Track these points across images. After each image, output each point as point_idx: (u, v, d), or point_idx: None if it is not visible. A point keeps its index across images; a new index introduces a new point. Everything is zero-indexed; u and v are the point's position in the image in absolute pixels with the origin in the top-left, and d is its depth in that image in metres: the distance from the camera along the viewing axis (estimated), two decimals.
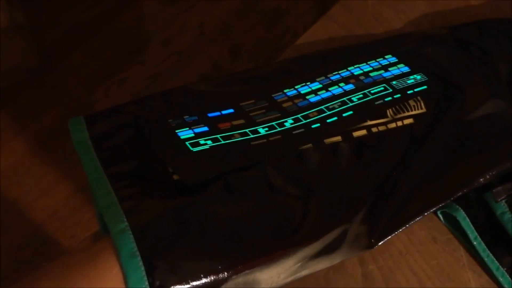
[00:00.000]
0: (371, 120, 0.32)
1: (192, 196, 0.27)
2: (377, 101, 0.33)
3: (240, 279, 0.26)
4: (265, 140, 0.30)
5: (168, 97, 0.33)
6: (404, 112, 0.33)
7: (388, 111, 0.33)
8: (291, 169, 0.30)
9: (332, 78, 0.35)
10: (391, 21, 0.41)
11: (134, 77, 0.99)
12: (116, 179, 0.27)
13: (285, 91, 0.34)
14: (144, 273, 0.24)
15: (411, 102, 0.34)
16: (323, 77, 0.35)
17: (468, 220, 0.33)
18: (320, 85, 0.34)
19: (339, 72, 0.35)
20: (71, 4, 1.03)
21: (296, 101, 0.33)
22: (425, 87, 0.34)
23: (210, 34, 1.03)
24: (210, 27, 1.03)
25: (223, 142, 0.29)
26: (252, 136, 0.30)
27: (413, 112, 0.33)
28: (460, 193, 0.32)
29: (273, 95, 0.33)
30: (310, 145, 0.30)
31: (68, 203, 0.86)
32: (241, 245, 0.26)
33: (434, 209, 0.31)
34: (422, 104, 0.34)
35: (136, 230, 0.25)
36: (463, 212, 0.33)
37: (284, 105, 0.32)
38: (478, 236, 0.33)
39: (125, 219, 0.25)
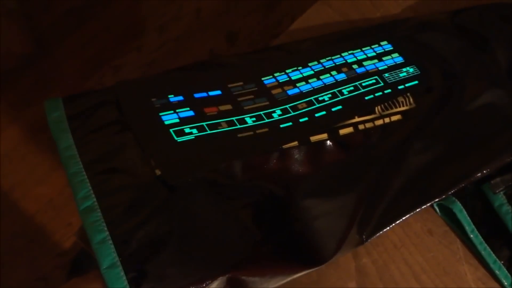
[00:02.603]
0: (358, 116, 0.32)
1: (176, 199, 0.26)
2: (368, 95, 0.32)
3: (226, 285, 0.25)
4: (251, 133, 0.29)
5: (155, 76, 0.31)
6: (392, 108, 0.32)
7: (377, 107, 0.32)
8: (275, 168, 0.29)
9: (325, 64, 0.34)
10: (388, 6, 0.39)
11: (130, 63, 0.97)
12: (96, 178, 0.25)
13: (275, 75, 0.32)
14: (126, 282, 0.23)
15: (400, 98, 0.33)
16: (315, 62, 0.34)
17: (465, 212, 0.32)
18: (312, 72, 0.33)
19: (332, 58, 0.34)
20: None
21: (286, 88, 0.32)
22: (415, 82, 0.33)
23: (207, 20, 1.01)
24: (207, 12, 1.02)
25: (209, 132, 0.28)
26: (239, 126, 0.29)
27: (402, 108, 0.33)
28: (457, 188, 0.31)
29: (262, 79, 0.32)
30: (296, 143, 0.29)
31: (64, 191, 0.85)
32: (228, 253, 0.26)
33: (429, 203, 0.30)
34: (411, 99, 0.33)
35: (117, 240, 0.24)
36: (460, 204, 0.32)
37: (274, 91, 0.31)
38: (475, 229, 0.32)
39: (106, 229, 0.24)
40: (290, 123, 0.30)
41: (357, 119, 0.31)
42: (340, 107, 0.31)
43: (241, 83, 0.31)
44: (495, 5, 0.38)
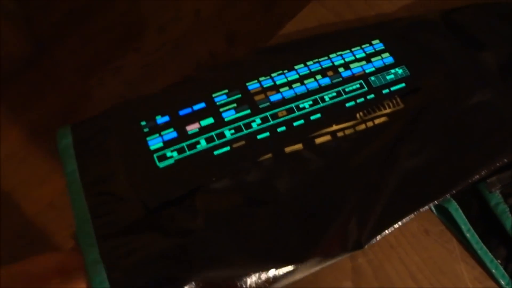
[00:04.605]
0: (337, 124, 0.32)
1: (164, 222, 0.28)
2: (349, 102, 0.33)
3: None
4: (228, 148, 0.31)
5: (146, 97, 0.33)
6: (376, 112, 0.33)
7: (357, 113, 0.32)
8: (252, 180, 0.30)
9: (311, 67, 0.34)
10: (382, 6, 0.39)
11: (129, 65, 0.97)
12: (91, 199, 0.28)
13: (260, 79, 0.33)
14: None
15: (385, 101, 0.33)
16: (302, 65, 0.34)
17: (460, 211, 0.32)
18: (297, 76, 0.33)
19: (319, 60, 0.34)
20: None
21: (269, 93, 0.33)
22: (403, 85, 0.34)
23: (206, 21, 1.01)
24: (206, 13, 1.02)
25: (188, 153, 0.30)
26: (217, 142, 0.31)
27: (387, 111, 0.33)
28: (455, 190, 0.31)
29: (247, 84, 0.33)
30: (270, 155, 0.31)
31: (65, 192, 0.85)
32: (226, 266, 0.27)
33: (427, 206, 0.30)
34: (399, 100, 0.33)
35: (109, 263, 0.26)
36: (456, 203, 0.32)
37: (256, 97, 0.32)
38: (471, 228, 0.32)
39: (99, 253, 0.27)
40: (268, 134, 0.31)
41: (335, 127, 0.32)
42: (319, 115, 0.32)
43: (226, 91, 0.33)
44: (488, 4, 0.38)
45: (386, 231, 0.29)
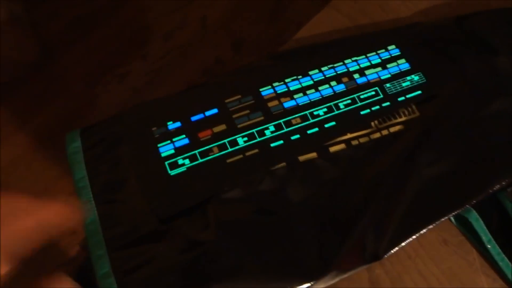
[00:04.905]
0: (351, 133, 0.31)
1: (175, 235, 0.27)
2: (364, 110, 0.32)
3: None
4: (241, 156, 0.30)
5: (157, 101, 0.33)
6: (391, 120, 0.32)
7: (372, 122, 0.32)
8: (264, 193, 0.29)
9: (326, 72, 0.33)
10: (397, 10, 0.38)
11: (135, 71, 0.97)
12: (101, 208, 0.28)
13: (274, 85, 0.32)
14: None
15: (401, 109, 0.32)
16: (316, 71, 0.33)
17: (481, 221, 0.31)
18: (311, 81, 0.33)
19: (334, 65, 0.33)
20: None
21: (282, 100, 0.32)
22: (419, 92, 0.33)
23: (212, 28, 1.01)
24: (212, 21, 1.01)
25: (200, 160, 0.30)
26: (230, 150, 0.30)
27: (403, 119, 0.32)
28: (475, 200, 0.30)
29: (260, 90, 0.32)
30: (284, 164, 0.30)
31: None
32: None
33: (447, 217, 0.29)
34: (414, 108, 0.32)
35: (120, 276, 0.26)
36: (476, 213, 0.31)
37: (270, 104, 0.32)
38: (492, 239, 0.31)
39: (110, 266, 0.26)
40: (281, 141, 0.30)
41: (350, 135, 0.31)
42: (333, 123, 0.31)
43: (239, 96, 0.32)
44: (503, 10, 0.37)
45: (404, 243, 0.28)
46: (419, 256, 0.31)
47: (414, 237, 0.29)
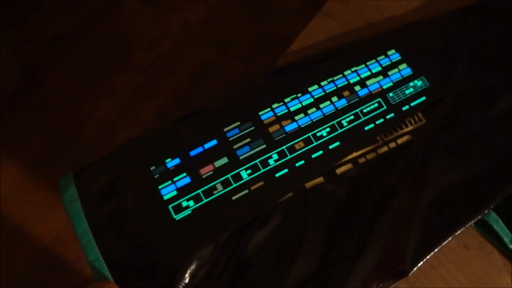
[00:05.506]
0: (357, 151, 0.30)
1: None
2: (368, 125, 0.31)
3: None
4: (246, 191, 0.29)
5: (151, 135, 0.31)
6: (397, 131, 0.31)
7: (378, 136, 0.31)
8: (276, 228, 0.28)
9: (326, 87, 0.32)
10: (391, 9, 0.37)
11: (122, 86, 0.95)
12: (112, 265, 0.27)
13: (273, 106, 0.31)
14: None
15: (406, 118, 0.31)
16: (316, 86, 0.32)
17: (501, 222, 0.30)
18: (312, 99, 0.31)
19: (334, 78, 0.32)
20: (47, 17, 0.99)
21: (283, 123, 0.31)
22: (423, 98, 0.32)
23: (195, 32, 0.99)
24: (194, 25, 0.99)
25: (204, 200, 0.28)
26: (234, 185, 0.29)
27: (410, 128, 0.31)
28: (493, 204, 0.29)
29: (260, 113, 0.31)
30: (290, 194, 0.29)
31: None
32: None
33: (470, 223, 0.28)
34: (420, 115, 0.31)
35: None
36: (495, 214, 0.31)
37: (271, 129, 0.30)
38: None
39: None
40: (286, 170, 0.29)
41: (355, 154, 0.30)
42: (338, 143, 0.30)
43: (237, 124, 0.30)
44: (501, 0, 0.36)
45: (429, 255, 0.28)
46: (442, 265, 0.31)
47: (437, 249, 0.28)
